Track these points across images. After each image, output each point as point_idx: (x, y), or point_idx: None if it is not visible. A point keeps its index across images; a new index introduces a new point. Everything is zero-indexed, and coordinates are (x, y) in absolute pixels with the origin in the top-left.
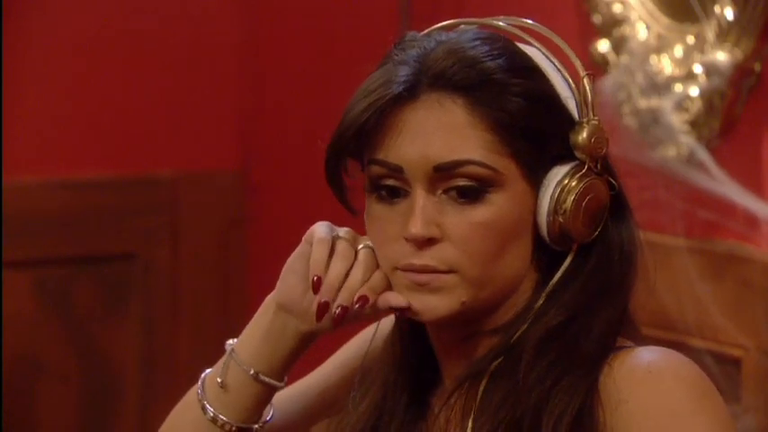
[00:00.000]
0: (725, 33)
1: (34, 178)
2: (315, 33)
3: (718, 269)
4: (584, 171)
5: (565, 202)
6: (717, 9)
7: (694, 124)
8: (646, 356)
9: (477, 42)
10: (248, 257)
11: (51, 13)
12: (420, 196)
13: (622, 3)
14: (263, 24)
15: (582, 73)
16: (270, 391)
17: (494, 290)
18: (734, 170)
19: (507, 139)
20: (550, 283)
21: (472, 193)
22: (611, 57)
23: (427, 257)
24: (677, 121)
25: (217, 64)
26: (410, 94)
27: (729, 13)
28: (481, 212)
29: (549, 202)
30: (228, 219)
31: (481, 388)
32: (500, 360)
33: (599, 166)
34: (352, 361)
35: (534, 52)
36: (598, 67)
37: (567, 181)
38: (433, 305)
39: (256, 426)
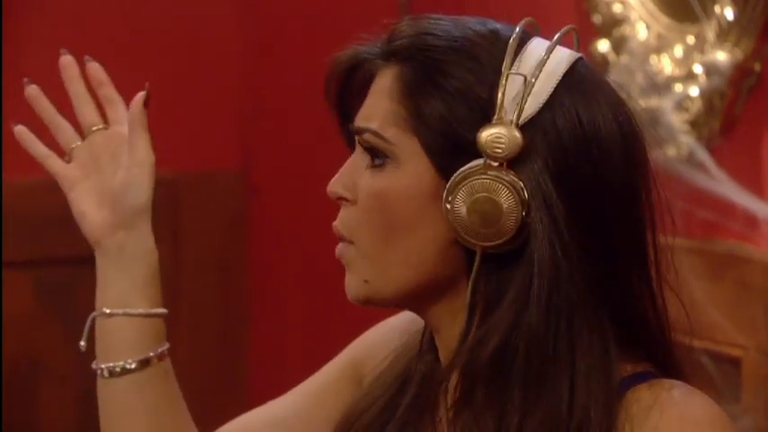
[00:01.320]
0: (725, 33)
1: (34, 178)
2: (315, 34)
3: (717, 269)
4: (477, 168)
5: (452, 192)
6: (717, 9)
7: (694, 124)
8: (674, 406)
9: (443, 20)
10: (248, 257)
11: (51, 13)
12: (354, 154)
13: (622, 3)
14: (263, 25)
15: (505, 72)
16: (138, 320)
17: (400, 273)
18: (734, 170)
19: (415, 117)
20: (468, 290)
21: (377, 159)
22: (611, 57)
23: (339, 220)
24: (677, 121)
25: (217, 64)
26: (370, 60)
27: (729, 13)
28: (377, 180)
29: (445, 193)
30: (228, 219)
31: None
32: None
33: (506, 168)
34: (360, 351)
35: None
36: (598, 67)
37: (460, 175)
38: (347, 282)
39: (152, 354)
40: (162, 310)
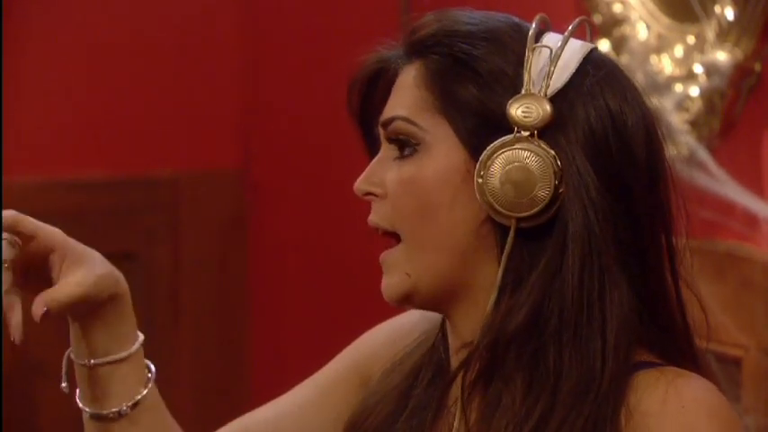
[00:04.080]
0: (725, 33)
1: (34, 178)
2: (315, 32)
3: (718, 269)
4: (509, 140)
5: (484, 166)
6: (717, 9)
7: (694, 124)
8: (679, 390)
9: (464, 11)
10: (248, 257)
11: (51, 13)
12: (381, 151)
13: (622, 3)
14: (262, 23)
15: (530, 46)
16: (127, 364)
17: (437, 259)
18: (734, 170)
19: (444, 101)
20: (500, 268)
21: (406, 149)
22: (612, 57)
23: (373, 214)
24: (677, 121)
25: (217, 63)
26: (393, 61)
27: (729, 13)
28: (407, 168)
29: (477, 167)
30: (228, 219)
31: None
32: (485, 373)
33: (537, 138)
34: (362, 352)
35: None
36: None
37: (492, 148)
38: (385, 283)
39: (143, 393)
40: (140, 341)
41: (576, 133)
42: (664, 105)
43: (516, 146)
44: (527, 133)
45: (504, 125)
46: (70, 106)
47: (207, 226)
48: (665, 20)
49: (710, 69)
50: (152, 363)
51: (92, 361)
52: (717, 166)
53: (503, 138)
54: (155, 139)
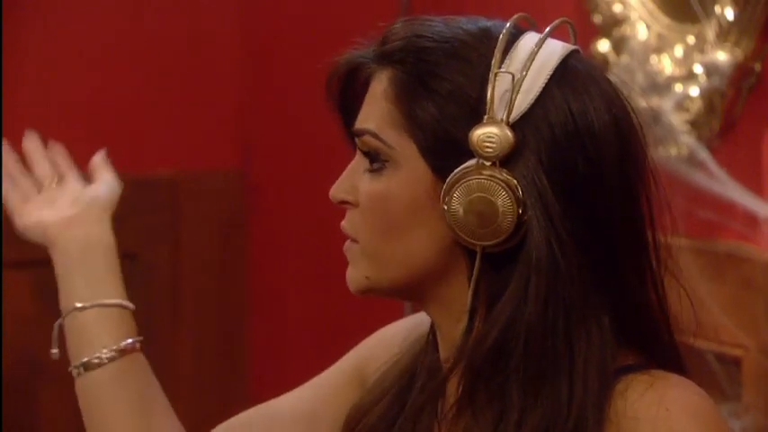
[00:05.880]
0: (725, 33)
1: None
2: (315, 32)
3: (718, 269)
4: (471, 169)
5: (448, 193)
6: (717, 9)
7: (694, 124)
8: (667, 394)
9: (435, 21)
10: (248, 257)
11: (51, 12)
12: (355, 159)
13: (622, 3)
14: (262, 23)
15: (494, 69)
16: (109, 311)
17: (399, 272)
18: (734, 170)
19: (409, 120)
20: (470, 290)
21: (375, 163)
22: (612, 57)
23: (346, 220)
24: (677, 121)
25: (216, 63)
26: (365, 64)
27: (729, 13)
28: (375, 184)
29: (442, 193)
30: (228, 219)
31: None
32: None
33: (499, 166)
34: (364, 355)
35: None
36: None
37: (455, 176)
38: (348, 275)
39: (128, 341)
40: (131, 306)
41: (541, 157)
42: (663, 105)
43: (478, 176)
44: (489, 162)
45: (466, 148)
46: (70, 106)
47: (206, 226)
48: (665, 20)
49: (710, 69)
50: (152, 362)
51: (80, 304)
52: (717, 166)
53: (466, 164)
54: (154, 139)
